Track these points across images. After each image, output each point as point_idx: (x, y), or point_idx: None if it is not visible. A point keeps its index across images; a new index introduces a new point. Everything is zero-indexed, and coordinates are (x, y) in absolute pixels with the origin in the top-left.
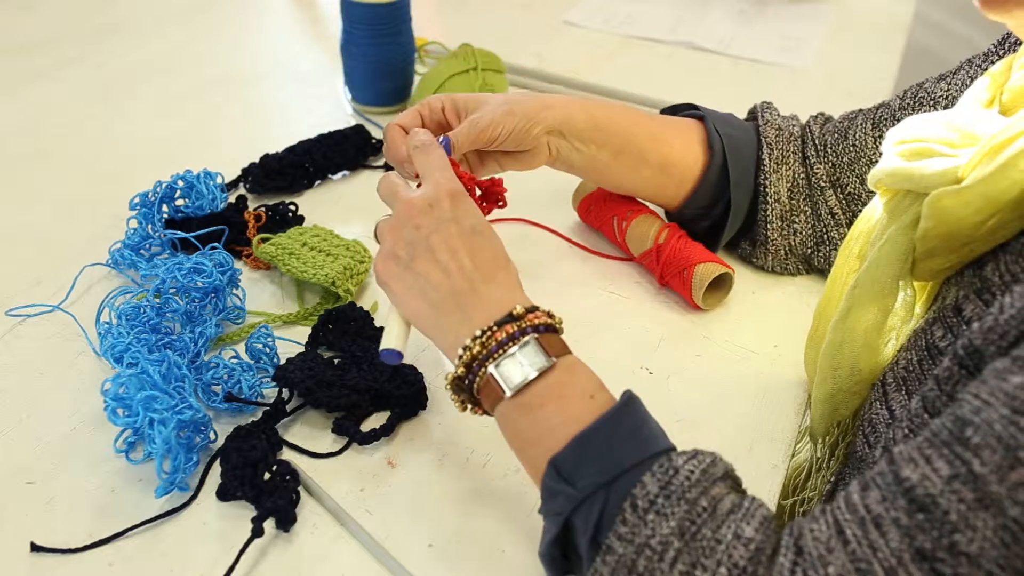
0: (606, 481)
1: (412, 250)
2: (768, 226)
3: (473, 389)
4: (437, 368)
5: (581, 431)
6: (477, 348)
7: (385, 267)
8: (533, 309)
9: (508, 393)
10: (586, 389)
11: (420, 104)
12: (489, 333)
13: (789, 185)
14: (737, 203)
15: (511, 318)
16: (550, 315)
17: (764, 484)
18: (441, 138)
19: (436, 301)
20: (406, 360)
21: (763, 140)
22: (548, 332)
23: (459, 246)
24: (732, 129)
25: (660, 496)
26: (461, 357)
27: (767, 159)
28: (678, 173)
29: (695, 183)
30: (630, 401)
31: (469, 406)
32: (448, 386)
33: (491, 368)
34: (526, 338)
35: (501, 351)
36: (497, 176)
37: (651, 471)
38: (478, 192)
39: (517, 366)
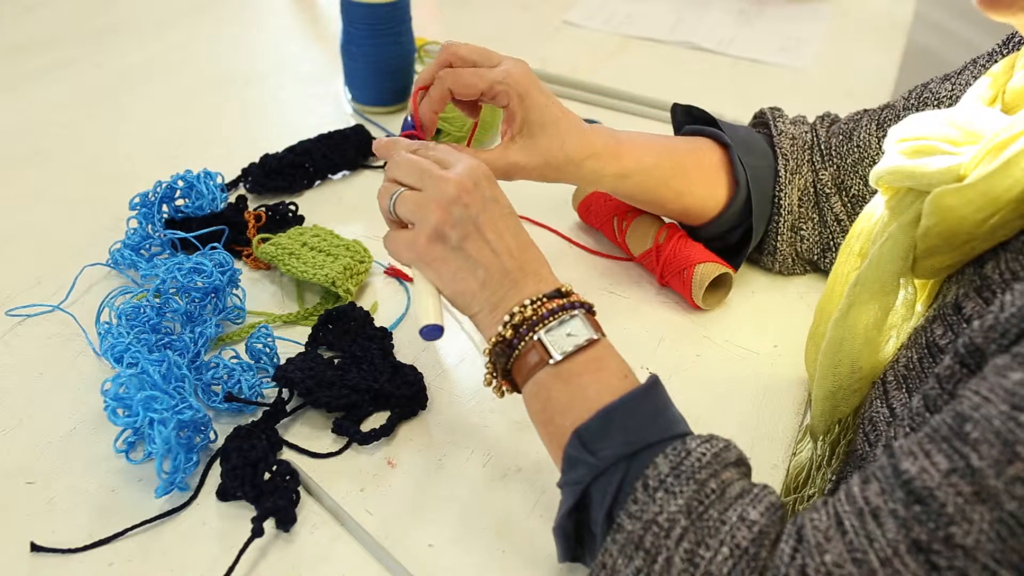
0: (628, 453)
1: (462, 230)
2: (778, 237)
3: (512, 355)
4: (437, 368)
5: (608, 404)
6: (529, 312)
7: (431, 249)
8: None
9: (555, 359)
10: (621, 369)
11: (497, 72)
12: (540, 302)
13: (800, 193)
14: (757, 231)
15: (560, 294)
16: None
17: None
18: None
19: (485, 280)
20: (407, 359)
21: (778, 152)
22: (590, 312)
23: (503, 227)
24: (755, 158)
25: (671, 475)
26: (510, 320)
27: (782, 170)
28: (698, 215)
29: (714, 217)
30: (656, 384)
31: (494, 381)
32: (489, 351)
33: (541, 333)
34: (575, 311)
35: (553, 318)
36: None
37: (664, 452)
38: None
39: (565, 334)
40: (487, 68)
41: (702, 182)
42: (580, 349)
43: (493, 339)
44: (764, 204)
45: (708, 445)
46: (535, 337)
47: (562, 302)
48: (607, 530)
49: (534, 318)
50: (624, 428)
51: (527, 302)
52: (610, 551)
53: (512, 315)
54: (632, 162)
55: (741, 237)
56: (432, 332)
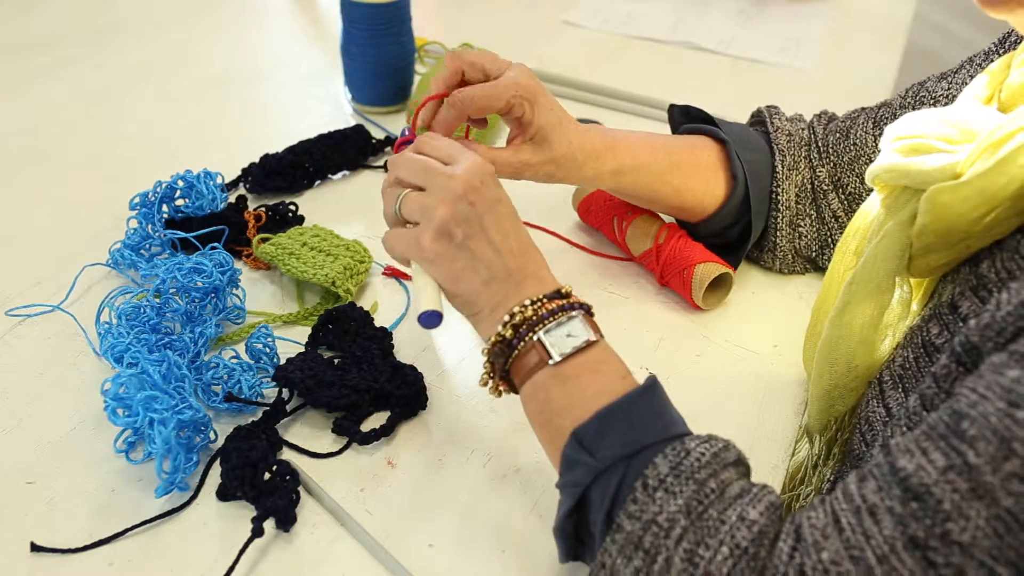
0: (626, 454)
1: (468, 228)
2: (777, 233)
3: (511, 355)
4: (437, 368)
5: (606, 404)
6: (529, 312)
7: (435, 246)
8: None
9: (554, 359)
10: (619, 370)
11: (508, 85)
12: (540, 302)
13: (797, 190)
14: (756, 227)
15: (560, 295)
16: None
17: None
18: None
19: (488, 279)
20: (407, 360)
21: (775, 147)
22: (589, 314)
23: (508, 227)
24: (752, 153)
25: (670, 475)
26: (510, 320)
27: (779, 166)
28: (696, 211)
29: (712, 213)
30: (654, 384)
31: (491, 381)
32: (488, 350)
33: (540, 334)
34: (575, 312)
35: (552, 319)
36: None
37: (663, 452)
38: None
39: (565, 335)
40: (495, 82)
41: (700, 178)
42: (579, 350)
43: (492, 338)
44: (762, 200)
45: (707, 445)
46: (535, 337)
47: (562, 303)
48: (606, 530)
49: (534, 318)
50: (622, 429)
51: (527, 302)
52: (609, 551)
53: (512, 315)
54: (628, 158)
55: (740, 233)
56: (431, 319)
